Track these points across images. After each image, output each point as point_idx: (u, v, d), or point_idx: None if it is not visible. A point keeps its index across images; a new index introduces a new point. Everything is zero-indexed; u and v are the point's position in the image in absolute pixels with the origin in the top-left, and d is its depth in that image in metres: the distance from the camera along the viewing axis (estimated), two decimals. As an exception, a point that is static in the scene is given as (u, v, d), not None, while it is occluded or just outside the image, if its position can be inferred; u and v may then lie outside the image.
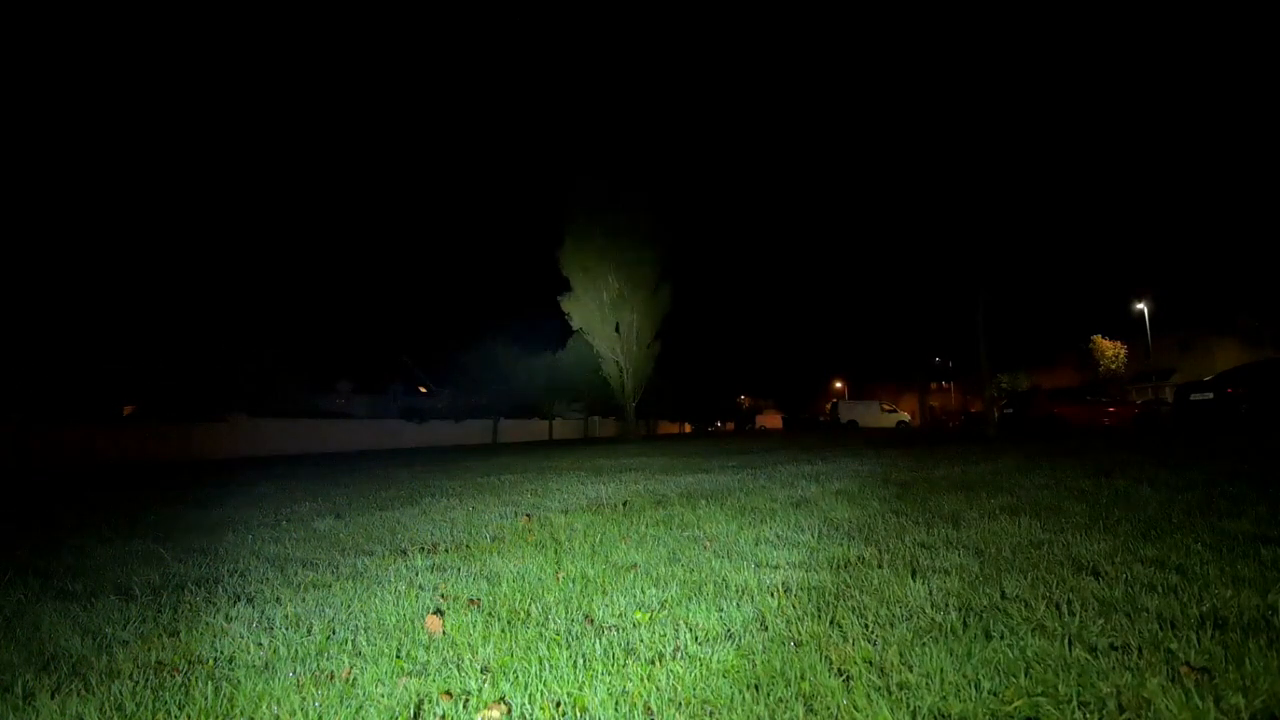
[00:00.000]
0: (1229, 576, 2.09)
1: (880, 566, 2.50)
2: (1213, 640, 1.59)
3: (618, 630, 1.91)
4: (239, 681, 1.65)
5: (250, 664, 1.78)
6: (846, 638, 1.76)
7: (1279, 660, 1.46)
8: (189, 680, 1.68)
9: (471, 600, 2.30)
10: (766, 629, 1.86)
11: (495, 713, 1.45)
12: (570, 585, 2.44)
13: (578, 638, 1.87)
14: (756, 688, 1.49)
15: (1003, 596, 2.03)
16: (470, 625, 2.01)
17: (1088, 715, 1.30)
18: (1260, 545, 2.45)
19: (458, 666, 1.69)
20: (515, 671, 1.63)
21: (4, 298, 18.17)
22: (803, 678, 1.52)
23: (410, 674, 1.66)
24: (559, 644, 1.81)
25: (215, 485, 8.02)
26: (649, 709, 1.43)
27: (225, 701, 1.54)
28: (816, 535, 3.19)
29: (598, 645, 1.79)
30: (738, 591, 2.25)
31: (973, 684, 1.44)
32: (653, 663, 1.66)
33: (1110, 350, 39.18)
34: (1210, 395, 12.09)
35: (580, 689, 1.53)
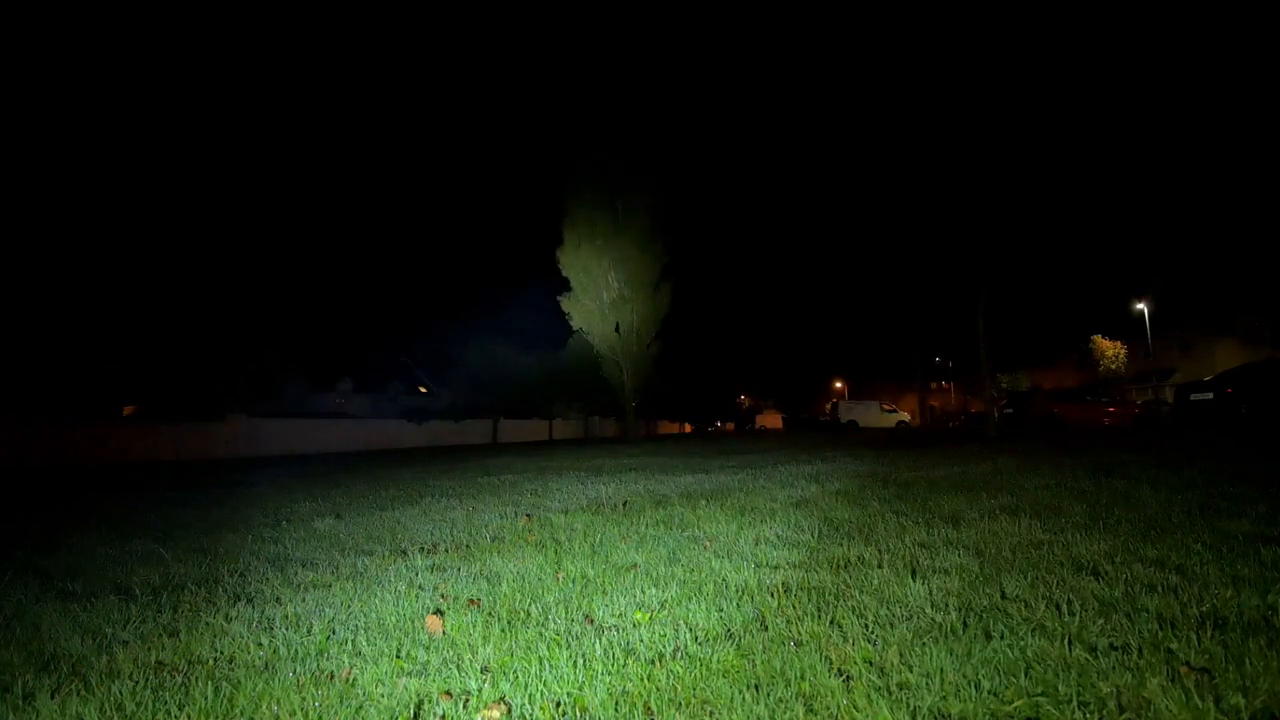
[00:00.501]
0: (1229, 576, 2.09)
1: (880, 566, 2.50)
2: (1213, 640, 1.59)
3: (618, 630, 1.91)
4: (239, 681, 1.65)
5: (250, 664, 1.78)
6: (846, 638, 1.76)
7: (1279, 660, 1.46)
8: (189, 680, 1.68)
9: (471, 600, 2.30)
10: (766, 629, 1.86)
11: (495, 713, 1.45)
12: (570, 585, 2.44)
13: (578, 638, 1.87)
14: (756, 688, 1.49)
15: (1003, 596, 2.03)
16: (470, 625, 2.01)
17: (1088, 715, 1.30)
18: (1260, 545, 2.45)
19: (458, 666, 1.69)
20: (515, 671, 1.63)
21: (4, 298, 18.17)
22: (803, 678, 1.52)
23: (410, 674, 1.66)
24: (559, 644, 1.81)
25: (215, 485, 8.02)
26: (649, 709, 1.43)
27: (225, 701, 1.54)
28: (816, 535, 3.19)
29: (598, 645, 1.79)
30: (738, 591, 2.25)
31: (973, 684, 1.44)
32: (653, 663, 1.66)
33: (1110, 350, 39.19)
34: (1210, 395, 12.09)
35: (580, 689, 1.53)
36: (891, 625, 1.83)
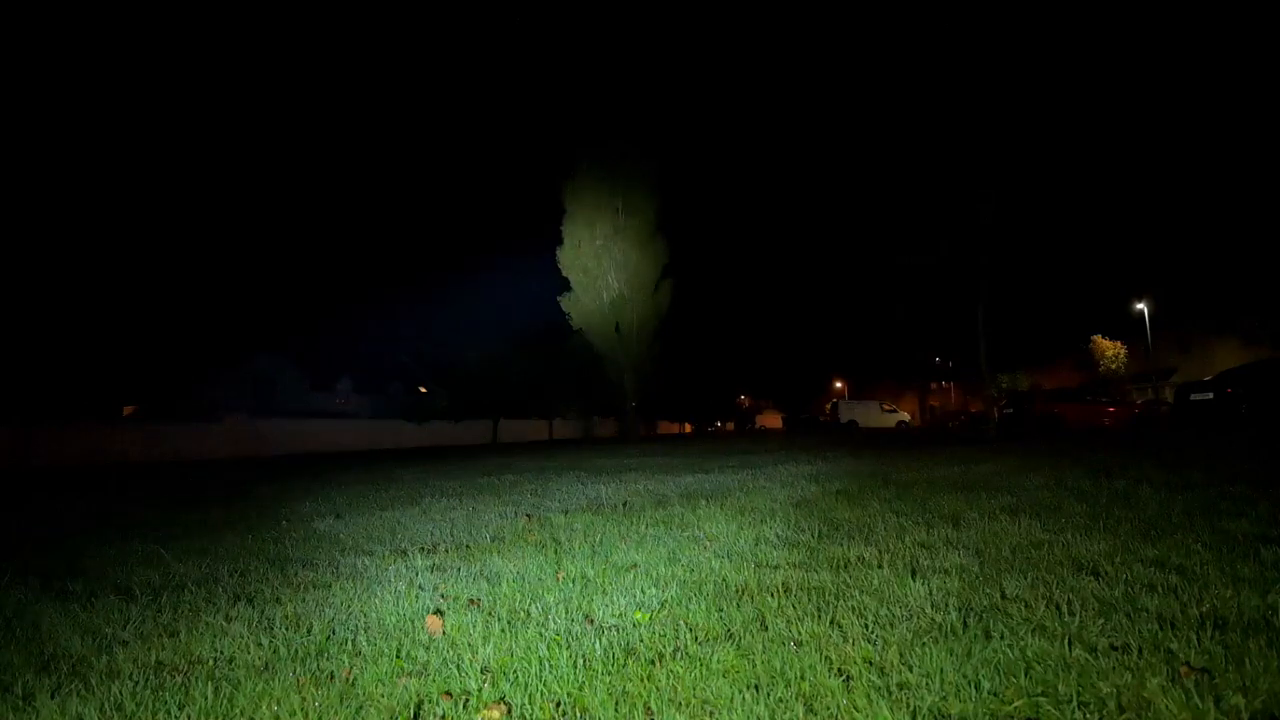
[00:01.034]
0: (1229, 576, 2.09)
1: (880, 567, 2.50)
2: (1213, 640, 1.59)
3: (618, 630, 1.91)
4: (239, 681, 1.65)
5: (250, 664, 1.78)
6: (847, 638, 1.76)
7: (1279, 660, 1.46)
8: (189, 680, 1.68)
9: (471, 600, 2.30)
10: (766, 629, 1.86)
11: (495, 713, 1.44)
12: (570, 585, 2.44)
13: (578, 638, 1.87)
14: (756, 688, 1.49)
15: (1003, 596, 2.03)
16: (470, 625, 2.01)
17: (1088, 715, 1.30)
18: (1260, 545, 2.45)
19: (458, 666, 1.69)
20: (515, 671, 1.63)
21: (6, 299, 18.17)
22: (803, 678, 1.52)
23: (410, 674, 1.66)
24: (559, 644, 1.81)
25: (215, 485, 8.02)
26: (649, 709, 1.43)
27: (225, 701, 1.54)
28: (817, 535, 3.19)
29: (598, 645, 1.79)
30: (738, 591, 2.25)
31: (973, 684, 1.44)
32: (653, 663, 1.66)
33: (1110, 350, 39.16)
34: (1210, 395, 12.09)
35: (580, 689, 1.53)
36: (891, 625, 1.83)
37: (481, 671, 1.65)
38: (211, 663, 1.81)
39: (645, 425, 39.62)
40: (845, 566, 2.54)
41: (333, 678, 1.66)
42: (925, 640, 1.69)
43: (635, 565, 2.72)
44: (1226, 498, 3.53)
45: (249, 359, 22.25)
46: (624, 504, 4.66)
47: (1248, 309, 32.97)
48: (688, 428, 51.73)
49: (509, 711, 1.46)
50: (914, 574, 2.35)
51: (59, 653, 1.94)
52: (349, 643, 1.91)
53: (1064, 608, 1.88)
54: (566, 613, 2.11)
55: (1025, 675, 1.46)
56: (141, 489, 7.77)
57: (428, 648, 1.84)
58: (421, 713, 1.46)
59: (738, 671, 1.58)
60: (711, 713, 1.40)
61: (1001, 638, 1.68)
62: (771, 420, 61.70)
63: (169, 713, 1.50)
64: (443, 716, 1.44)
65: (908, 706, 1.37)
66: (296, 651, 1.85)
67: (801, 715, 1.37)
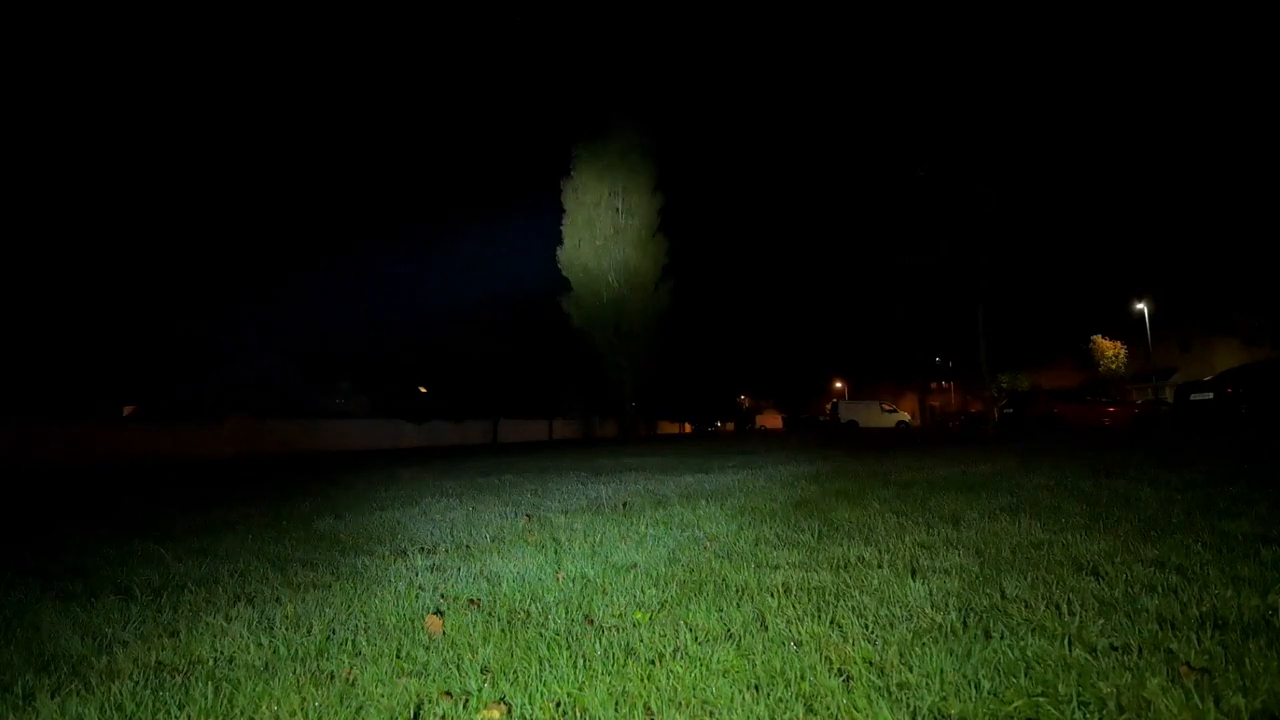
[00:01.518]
0: (1229, 576, 2.09)
1: (880, 566, 2.50)
2: (1213, 640, 1.59)
3: (618, 630, 1.91)
4: (239, 681, 1.65)
5: (250, 664, 1.78)
6: (846, 638, 1.76)
7: (1279, 660, 1.46)
8: (189, 680, 1.68)
9: (471, 600, 2.30)
10: (766, 629, 1.86)
11: (495, 713, 1.44)
12: (570, 585, 2.44)
13: (578, 638, 1.87)
14: (756, 688, 1.49)
15: (1003, 597, 2.03)
16: (470, 625, 2.01)
17: (1088, 715, 1.30)
18: (1260, 545, 2.45)
19: (458, 667, 1.69)
20: (515, 672, 1.63)
21: (5, 298, 18.17)
22: (803, 678, 1.52)
23: (410, 674, 1.66)
24: (559, 644, 1.81)
25: (214, 485, 8.02)
26: (649, 709, 1.43)
27: (225, 702, 1.54)
28: (816, 535, 3.19)
29: (598, 645, 1.79)
30: (738, 591, 2.25)
31: (973, 684, 1.44)
32: (653, 663, 1.66)
33: (1110, 350, 39.17)
34: (1210, 395, 12.09)
35: (580, 689, 1.53)
36: (891, 625, 1.83)
37: (481, 671, 1.65)
38: (211, 663, 1.81)
39: (645, 425, 39.63)
40: (845, 566, 2.54)
41: (333, 678, 1.66)
42: (925, 640, 1.69)
43: (635, 565, 2.72)
44: (1226, 498, 3.53)
45: (249, 359, 22.28)
46: (624, 504, 4.66)
47: (1248, 309, 32.97)
48: (688, 428, 51.75)
49: (509, 711, 1.46)
50: (914, 574, 2.35)
51: (59, 653, 1.93)
52: (349, 643, 1.91)
53: (1064, 608, 1.88)
54: (566, 613, 2.11)
55: (1025, 675, 1.46)
56: (141, 489, 7.77)
57: (428, 648, 1.84)
58: (421, 713, 1.46)
59: (738, 671, 1.58)
60: (711, 713, 1.40)
61: (1001, 638, 1.68)
62: (771, 420, 61.72)
63: (169, 713, 1.50)
64: (443, 716, 1.44)
65: (908, 706, 1.37)
66: (296, 651, 1.85)
67: (801, 715, 1.37)
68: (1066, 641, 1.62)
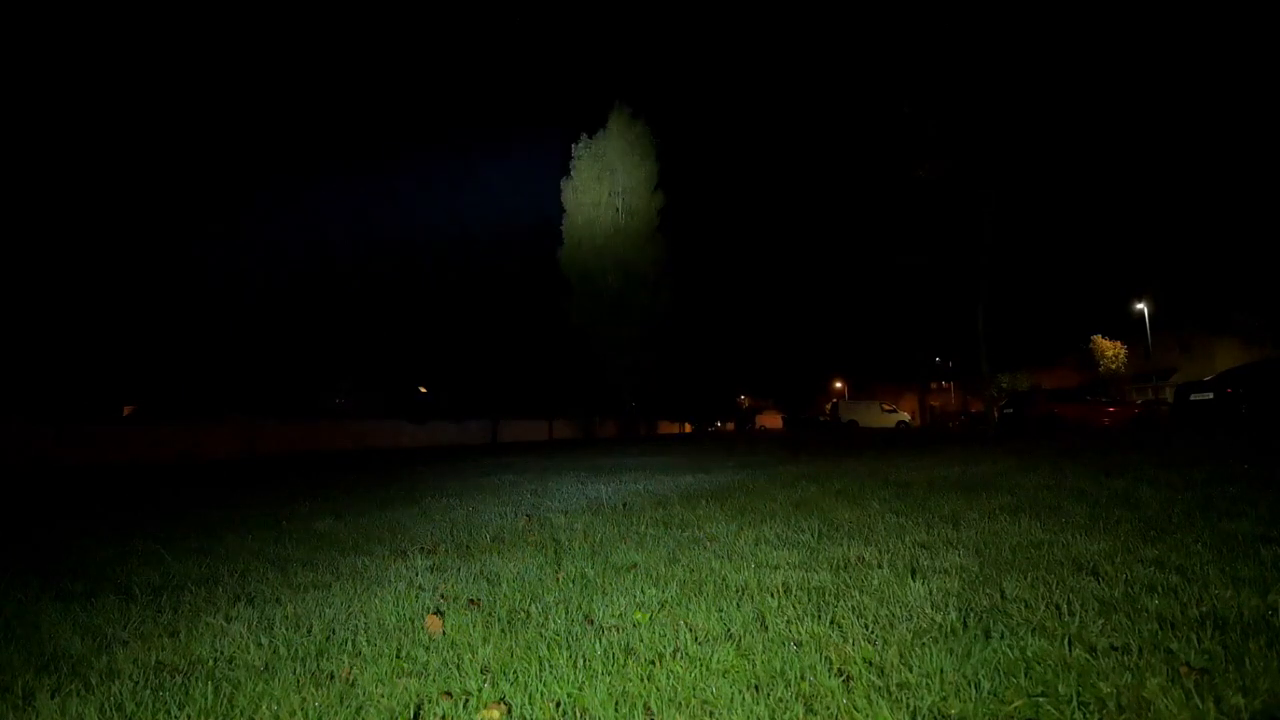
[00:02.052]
0: (1229, 576, 2.09)
1: (880, 567, 2.50)
2: (1213, 640, 1.59)
3: (618, 630, 1.91)
4: (239, 681, 1.65)
5: (250, 664, 1.78)
6: (846, 638, 1.76)
7: (1279, 660, 1.46)
8: (189, 680, 1.68)
9: (471, 600, 2.30)
10: (766, 629, 1.86)
11: (495, 713, 1.45)
12: (570, 585, 2.45)
13: (577, 638, 1.87)
14: (756, 688, 1.49)
15: (1003, 597, 2.03)
16: (470, 625, 2.01)
17: (1088, 715, 1.30)
18: (1260, 545, 2.45)
19: (458, 667, 1.69)
20: (515, 672, 1.63)
21: (5, 298, 18.16)
22: (803, 678, 1.52)
23: (410, 674, 1.66)
24: (559, 644, 1.81)
25: (214, 485, 8.02)
26: (649, 709, 1.43)
27: (225, 702, 1.54)
28: (816, 535, 3.19)
29: (597, 645, 1.79)
30: (738, 591, 2.25)
31: (973, 684, 1.44)
32: (653, 663, 1.66)
33: (1110, 350, 39.17)
34: (1210, 395, 12.08)
35: (580, 689, 1.53)
36: (891, 625, 1.83)
37: (481, 671, 1.65)
38: (211, 663, 1.81)
39: (645, 425, 39.61)
40: (845, 566, 2.54)
41: (333, 678, 1.66)
42: (925, 640, 1.69)
43: (635, 565, 2.72)
44: (1226, 498, 3.53)
45: (249, 359, 22.29)
46: (624, 504, 4.66)
47: (1247, 309, 32.97)
48: (688, 428, 51.73)
49: (509, 711, 1.46)
50: (914, 574, 2.35)
51: (59, 653, 1.93)
52: (349, 643, 1.91)
53: (1064, 608, 1.88)
54: (566, 613, 2.11)
55: (1025, 675, 1.46)
56: (140, 489, 7.77)
57: (428, 648, 1.84)
58: (421, 713, 1.46)
59: (738, 671, 1.58)
60: (711, 713, 1.40)
61: (1001, 638, 1.68)
62: (771, 420, 61.70)
63: (169, 713, 1.50)
64: (443, 716, 1.45)
65: (908, 706, 1.37)
66: (296, 651, 1.85)
67: (801, 715, 1.37)
68: (1066, 641, 1.62)
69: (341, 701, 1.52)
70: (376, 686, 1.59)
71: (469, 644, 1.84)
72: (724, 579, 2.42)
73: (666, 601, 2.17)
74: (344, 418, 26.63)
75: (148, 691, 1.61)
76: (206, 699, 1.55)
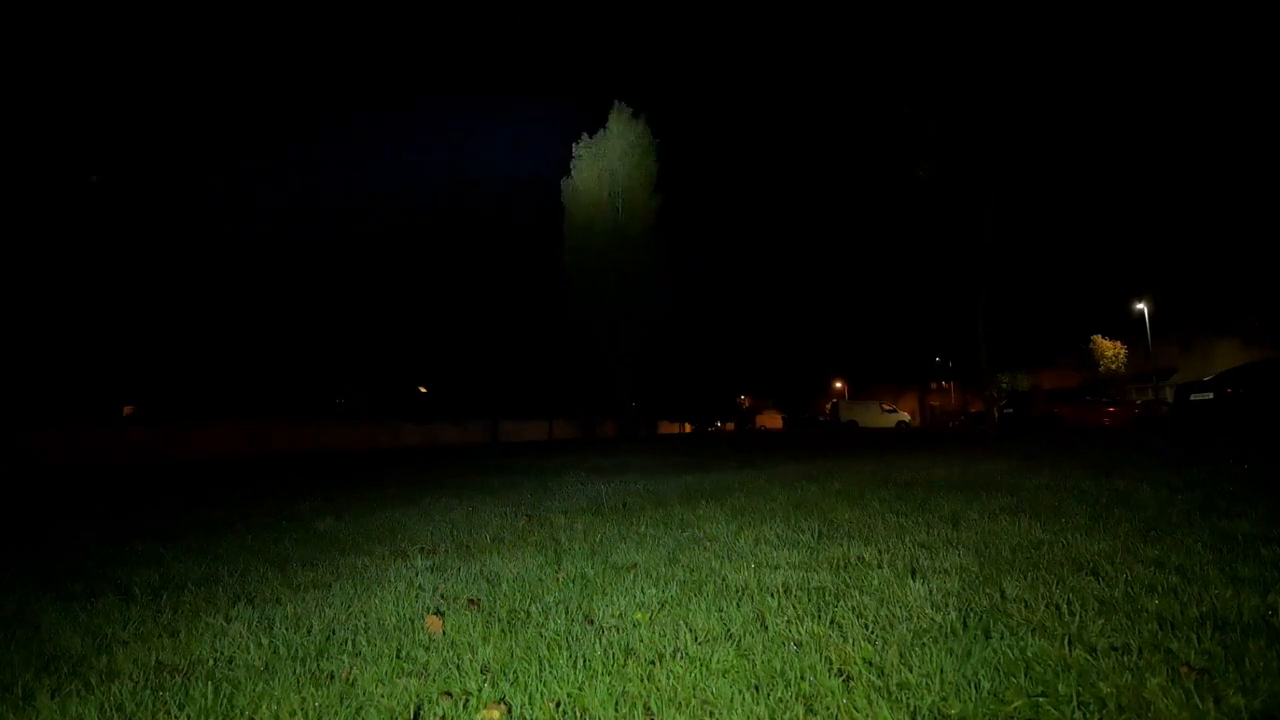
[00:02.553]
0: (1229, 576, 2.09)
1: (880, 567, 2.50)
2: (1213, 640, 1.59)
3: (617, 630, 1.91)
4: (239, 681, 1.65)
5: (250, 664, 1.78)
6: (846, 638, 1.76)
7: (1279, 660, 1.46)
8: (189, 680, 1.68)
9: (471, 600, 2.30)
10: (766, 629, 1.86)
11: (495, 713, 1.44)
12: (570, 585, 2.44)
13: (577, 638, 1.87)
14: (756, 688, 1.49)
15: (1003, 597, 2.03)
16: (470, 625, 2.01)
17: (1088, 715, 1.30)
18: (1260, 545, 2.45)
19: (458, 667, 1.69)
20: (515, 672, 1.63)
21: (5, 298, 18.16)
22: (803, 678, 1.52)
23: (410, 674, 1.66)
24: (559, 644, 1.81)
25: (214, 486, 8.02)
26: (649, 709, 1.43)
27: (225, 701, 1.54)
28: (816, 535, 3.19)
29: (597, 645, 1.79)
30: (738, 591, 2.25)
31: (973, 684, 1.44)
32: (653, 663, 1.66)
33: (1110, 350, 39.16)
34: (1210, 395, 12.07)
35: (580, 689, 1.53)
36: (891, 625, 1.83)
37: (481, 671, 1.65)
38: (211, 663, 1.81)
39: (645, 425, 39.61)
40: (845, 567, 2.54)
41: (333, 678, 1.66)
42: (925, 640, 1.69)
43: (635, 565, 2.72)
44: (1226, 498, 3.53)
45: (249, 359, 22.29)
46: (624, 504, 4.66)
47: (1248, 309, 32.97)
48: (688, 428, 51.72)
49: (509, 711, 1.46)
50: (914, 574, 2.35)
51: (59, 653, 1.93)
52: (349, 643, 1.91)
53: (1064, 608, 1.88)
54: (566, 613, 2.11)
55: (1025, 675, 1.46)
56: (140, 489, 7.77)
57: (428, 648, 1.84)
58: (421, 713, 1.46)
59: (738, 671, 1.58)
60: (711, 713, 1.40)
61: (1001, 638, 1.68)
62: (771, 420, 61.68)
63: (169, 713, 1.50)
64: (443, 716, 1.45)
65: (908, 707, 1.37)
66: (296, 651, 1.85)
67: (801, 715, 1.37)
68: (1066, 641, 1.62)
69: (341, 701, 1.52)
70: (376, 686, 1.59)
71: (469, 644, 1.84)
72: (724, 579, 2.42)
73: (666, 601, 2.17)
74: (345, 418, 26.65)
75: (148, 691, 1.61)
76: (206, 699, 1.55)
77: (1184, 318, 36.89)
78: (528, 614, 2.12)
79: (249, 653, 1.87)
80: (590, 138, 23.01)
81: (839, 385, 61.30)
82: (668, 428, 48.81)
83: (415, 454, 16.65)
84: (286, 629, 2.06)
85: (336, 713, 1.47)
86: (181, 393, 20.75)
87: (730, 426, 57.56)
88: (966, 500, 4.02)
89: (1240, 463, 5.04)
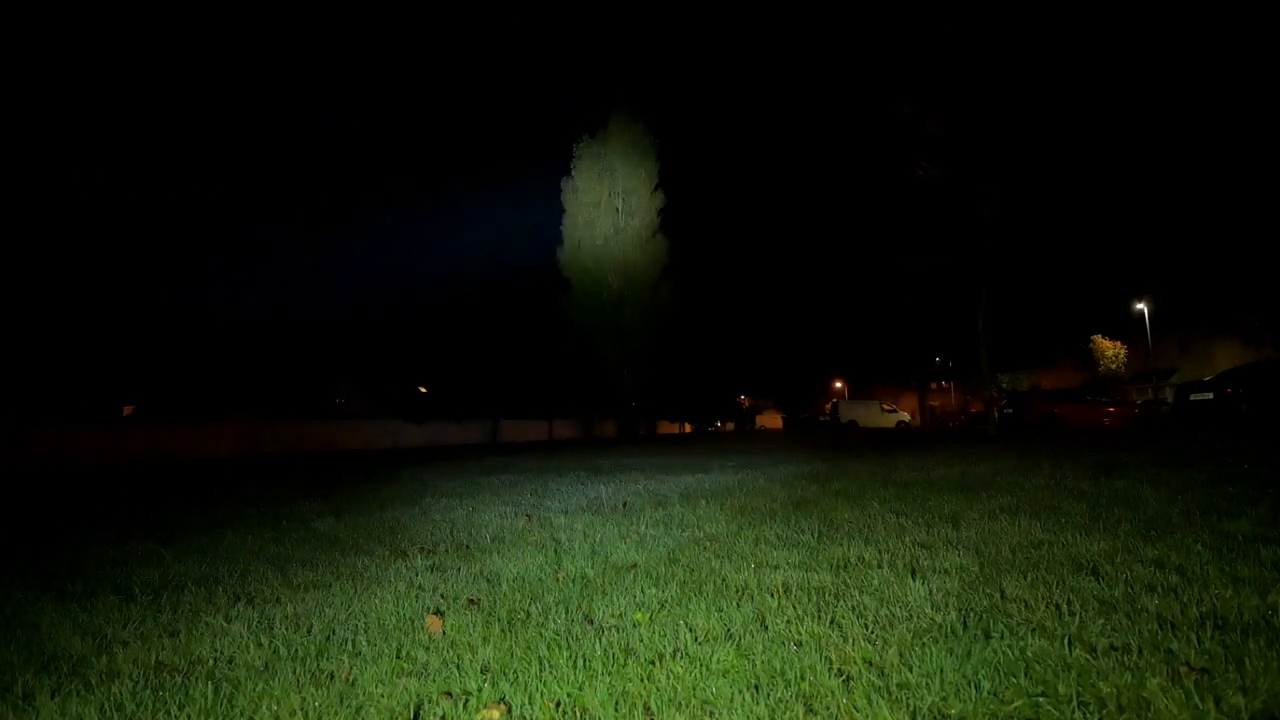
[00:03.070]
0: (1229, 576, 2.09)
1: (880, 567, 2.50)
2: (1213, 640, 1.59)
3: (617, 630, 1.91)
4: (239, 681, 1.65)
5: (250, 664, 1.78)
6: (846, 638, 1.76)
7: (1279, 660, 1.46)
8: (189, 680, 1.68)
9: (471, 600, 2.30)
10: (766, 629, 1.86)
11: (495, 713, 1.45)
12: (570, 585, 2.44)
13: (577, 638, 1.87)
14: (756, 688, 1.49)
15: (1003, 597, 2.03)
16: (470, 625, 2.01)
17: (1088, 715, 1.30)
18: (1260, 545, 2.45)
19: (458, 667, 1.69)
20: (515, 672, 1.63)
21: (5, 298, 18.15)
22: (803, 678, 1.52)
23: (410, 674, 1.66)
24: (559, 644, 1.81)
25: (214, 486, 8.02)
26: (649, 709, 1.43)
27: (225, 702, 1.54)
28: (816, 535, 3.19)
29: (597, 645, 1.79)
30: (737, 591, 2.25)
31: (973, 684, 1.44)
32: (653, 663, 1.66)
33: (1110, 350, 39.17)
34: (1210, 395, 12.08)
35: (580, 689, 1.53)
36: (891, 625, 1.83)
37: (481, 671, 1.65)
38: (211, 663, 1.81)
39: (645, 425, 39.61)
40: (845, 566, 2.54)
41: (333, 678, 1.66)
42: (925, 640, 1.69)
43: (635, 565, 2.72)
44: (1226, 498, 3.53)
45: (249, 359, 22.30)
46: (624, 504, 4.66)
47: (1248, 309, 32.97)
48: (688, 428, 51.72)
49: (509, 711, 1.46)
50: (914, 574, 2.35)
51: (59, 653, 1.93)
52: (349, 643, 1.91)
53: (1064, 608, 1.88)
54: (566, 613, 2.11)
55: (1025, 675, 1.46)
56: (140, 489, 7.77)
57: (428, 648, 1.84)
58: (421, 713, 1.46)
59: (738, 671, 1.58)
60: (711, 713, 1.40)
61: (1001, 638, 1.68)
62: (771, 420, 61.70)
63: (169, 713, 1.50)
64: (443, 716, 1.45)
65: (907, 706, 1.37)
66: (296, 651, 1.85)
67: (801, 715, 1.37)
68: (1066, 641, 1.62)
69: (341, 701, 1.52)
70: (376, 686, 1.59)
71: (469, 644, 1.84)
72: (724, 579, 2.42)
73: (666, 601, 2.17)
74: (345, 418, 26.63)
75: (148, 691, 1.61)
76: (206, 699, 1.55)
77: (1184, 318, 36.90)
78: (528, 614, 2.12)
79: (249, 653, 1.87)
80: (590, 138, 23.01)
81: (839, 385, 61.31)
82: (668, 428, 48.80)
83: (416, 454, 16.64)
84: (286, 629, 2.06)
85: (336, 713, 1.47)
86: (181, 393, 20.74)
87: (730, 426, 57.56)
88: (966, 500, 4.02)
89: (1240, 462, 5.04)
